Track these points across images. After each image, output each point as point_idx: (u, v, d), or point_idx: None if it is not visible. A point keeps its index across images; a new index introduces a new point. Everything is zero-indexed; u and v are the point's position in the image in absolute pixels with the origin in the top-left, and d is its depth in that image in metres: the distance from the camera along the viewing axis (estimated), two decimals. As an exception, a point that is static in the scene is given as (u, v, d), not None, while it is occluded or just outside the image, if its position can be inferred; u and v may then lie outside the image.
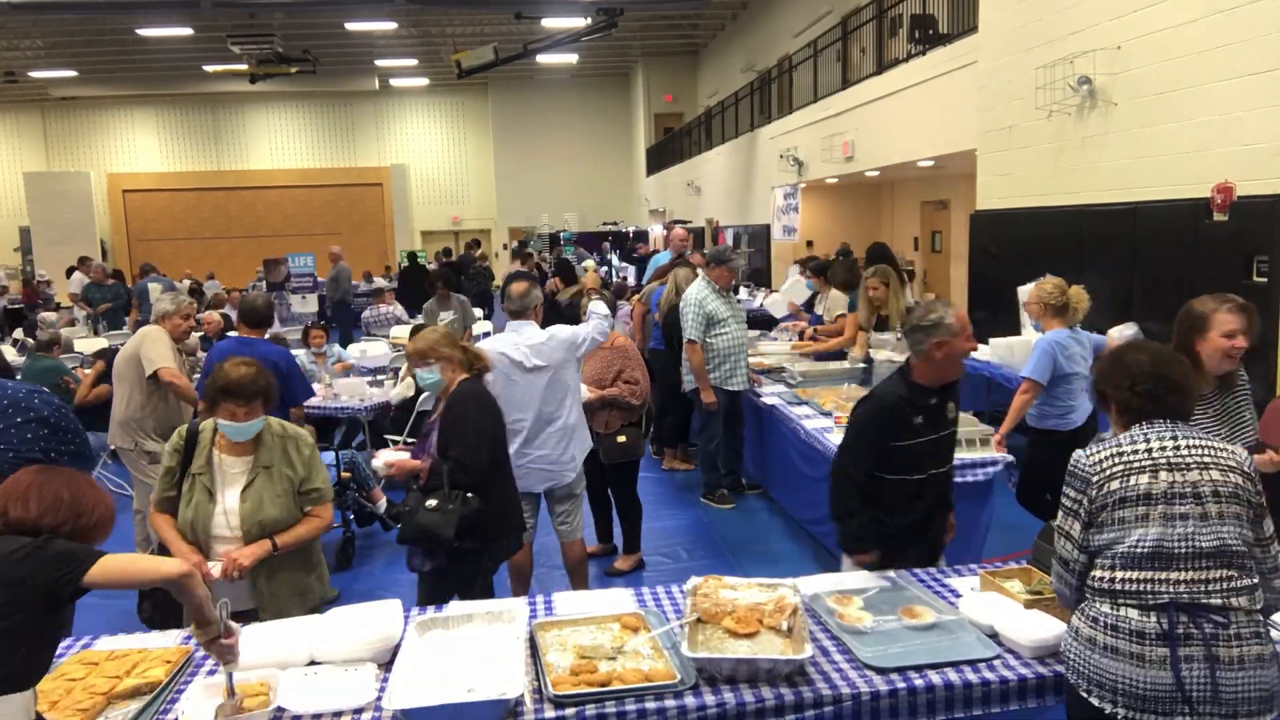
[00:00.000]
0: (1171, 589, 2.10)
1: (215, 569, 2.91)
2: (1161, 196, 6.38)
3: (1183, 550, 2.11)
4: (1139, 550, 2.13)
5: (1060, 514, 2.31)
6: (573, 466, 4.43)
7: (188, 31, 18.98)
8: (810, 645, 2.42)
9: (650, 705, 2.25)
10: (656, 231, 22.94)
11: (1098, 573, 2.20)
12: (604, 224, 25.44)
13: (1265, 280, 5.56)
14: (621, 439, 5.03)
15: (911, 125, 10.71)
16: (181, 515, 3.04)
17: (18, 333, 13.25)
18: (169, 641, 2.70)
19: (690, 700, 2.27)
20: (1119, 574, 2.16)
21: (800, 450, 5.47)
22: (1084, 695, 2.17)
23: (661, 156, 25.62)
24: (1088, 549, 2.23)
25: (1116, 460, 2.21)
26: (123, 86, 25.29)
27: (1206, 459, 2.18)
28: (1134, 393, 2.29)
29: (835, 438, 4.95)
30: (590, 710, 2.24)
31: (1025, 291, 5.29)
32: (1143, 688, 2.08)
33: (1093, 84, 6.95)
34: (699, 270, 6.86)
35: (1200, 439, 2.24)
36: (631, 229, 24.08)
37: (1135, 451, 2.21)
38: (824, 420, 5.32)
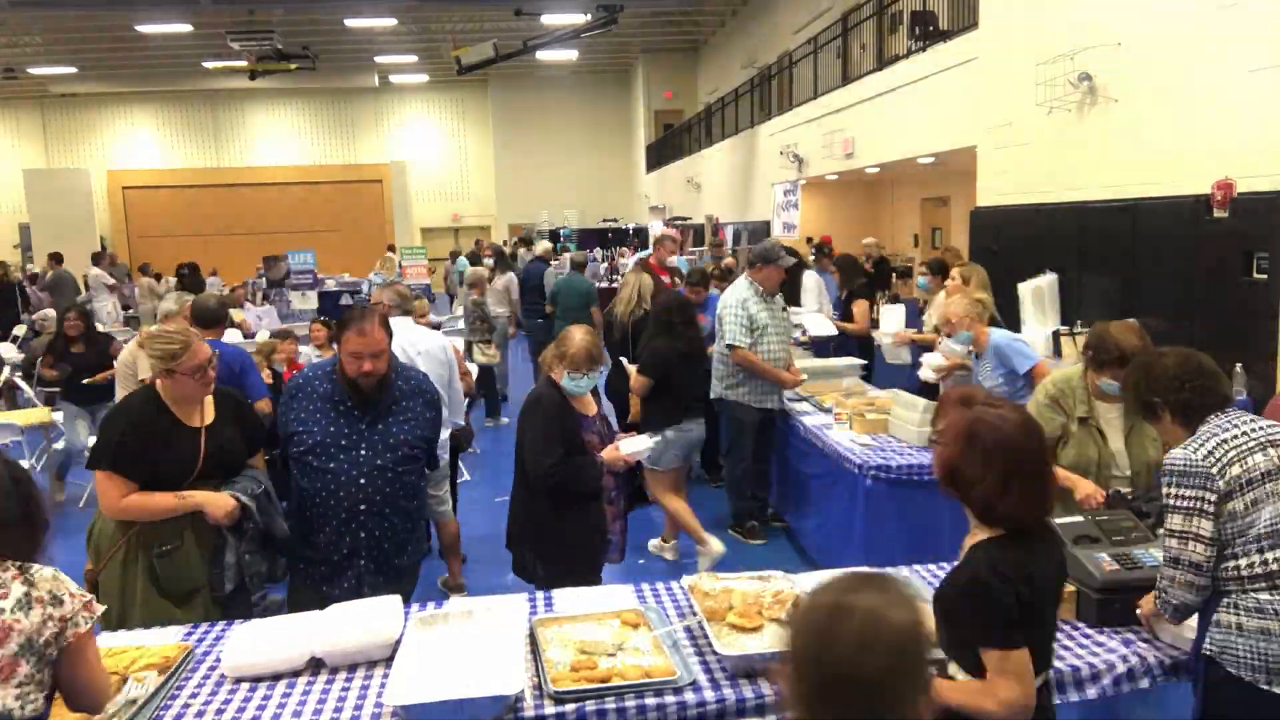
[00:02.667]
0: None
1: None
2: (1162, 193, 6.38)
3: None
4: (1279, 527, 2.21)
5: (1176, 519, 2.28)
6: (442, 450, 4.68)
7: (187, 28, 18.97)
8: None
9: (650, 701, 2.26)
10: (656, 229, 22.92)
11: (1239, 562, 2.23)
12: (604, 220, 25.44)
13: (1265, 277, 5.55)
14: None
15: (912, 122, 10.70)
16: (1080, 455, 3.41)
17: (18, 329, 13.25)
18: (168, 639, 2.70)
19: (690, 696, 2.27)
20: (1270, 554, 2.21)
21: (800, 449, 5.47)
22: (1265, 688, 2.17)
23: (661, 153, 25.61)
24: (1216, 542, 2.24)
25: (1227, 447, 2.26)
26: (122, 83, 25.28)
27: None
28: (1190, 390, 2.35)
29: (835, 435, 4.96)
30: (590, 706, 2.24)
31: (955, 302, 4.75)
32: None
33: (1093, 80, 6.95)
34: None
35: (1260, 419, 2.36)
36: (632, 226, 24.07)
37: (1235, 437, 2.27)
38: (824, 417, 5.32)
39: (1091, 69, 6.92)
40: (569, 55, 24.23)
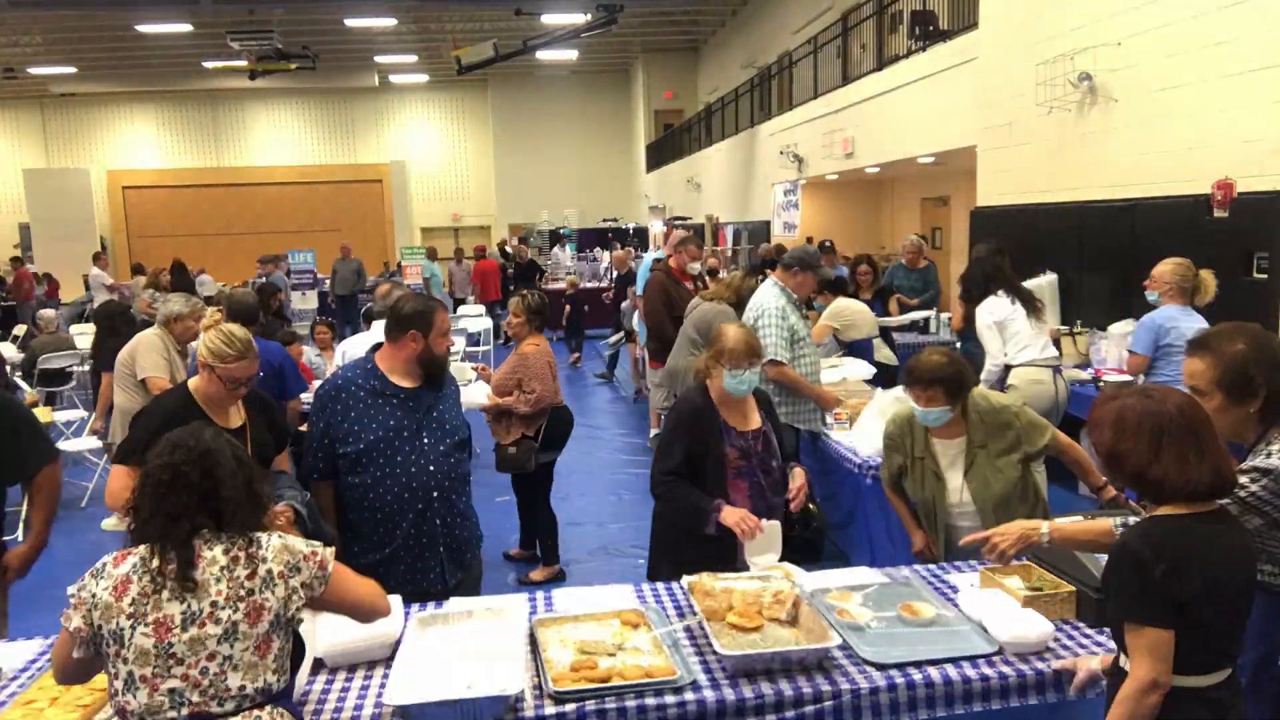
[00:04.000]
0: None
1: None
2: (1162, 193, 6.38)
3: None
4: None
5: None
6: None
7: (187, 28, 18.98)
8: (835, 633, 2.45)
9: (650, 701, 2.25)
10: (656, 228, 22.92)
11: None
12: (604, 220, 25.44)
13: (1265, 276, 5.56)
14: (511, 450, 5.04)
15: (912, 122, 10.70)
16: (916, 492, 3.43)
17: (19, 328, 13.26)
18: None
19: (690, 696, 2.27)
20: None
21: (800, 449, 5.46)
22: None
23: (662, 153, 25.61)
24: None
25: None
26: (122, 83, 25.27)
27: None
28: None
29: (835, 435, 4.96)
30: (590, 706, 2.24)
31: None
32: None
33: (1093, 80, 6.95)
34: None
35: None
36: (632, 226, 24.08)
37: None
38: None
39: (1091, 69, 6.92)
40: (569, 55, 24.23)
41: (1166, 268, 4.98)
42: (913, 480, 3.42)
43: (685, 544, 3.26)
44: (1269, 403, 2.20)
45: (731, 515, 3.10)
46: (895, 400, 4.60)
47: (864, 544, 4.54)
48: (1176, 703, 1.87)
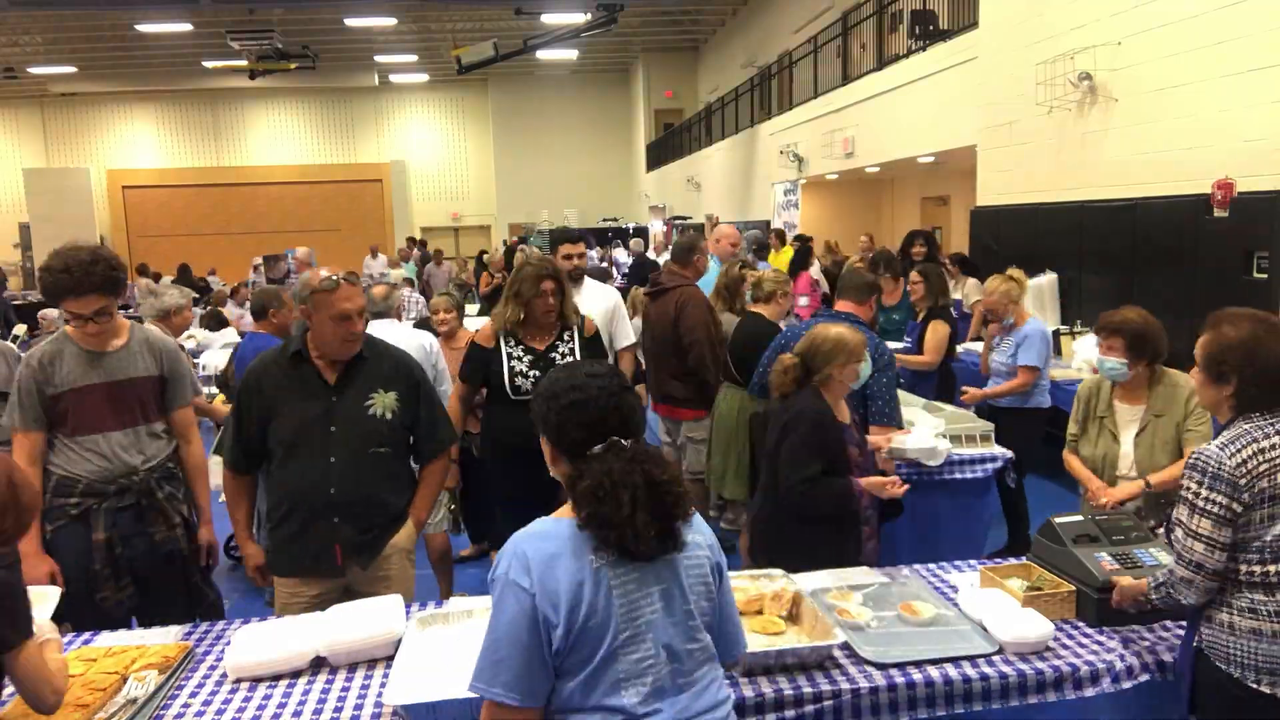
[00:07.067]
0: None
1: None
2: (1162, 192, 6.38)
3: None
4: None
5: (1204, 523, 2.21)
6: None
7: (187, 27, 18.97)
8: (839, 630, 2.45)
9: (650, 701, 2.25)
10: (656, 228, 22.91)
11: (1239, 566, 2.22)
12: (604, 220, 25.43)
13: (1265, 276, 5.56)
14: None
15: (912, 121, 10.70)
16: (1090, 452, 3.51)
17: (20, 328, 13.24)
18: (168, 638, 2.70)
19: (690, 696, 2.27)
20: (1272, 566, 2.19)
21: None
22: (1253, 686, 2.19)
23: (662, 152, 25.61)
24: (1228, 548, 2.22)
25: (1261, 459, 2.19)
26: (122, 83, 25.27)
27: None
28: (1259, 386, 2.25)
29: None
30: (590, 706, 2.24)
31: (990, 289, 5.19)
32: None
33: (1093, 80, 6.95)
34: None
35: None
36: (631, 225, 24.06)
37: (1274, 446, 2.20)
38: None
39: (1091, 69, 6.92)
40: (569, 55, 24.23)
41: (995, 297, 5.07)
42: (1088, 439, 3.54)
43: (806, 547, 3.19)
44: (1242, 393, 2.28)
45: (869, 483, 3.26)
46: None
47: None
48: None
